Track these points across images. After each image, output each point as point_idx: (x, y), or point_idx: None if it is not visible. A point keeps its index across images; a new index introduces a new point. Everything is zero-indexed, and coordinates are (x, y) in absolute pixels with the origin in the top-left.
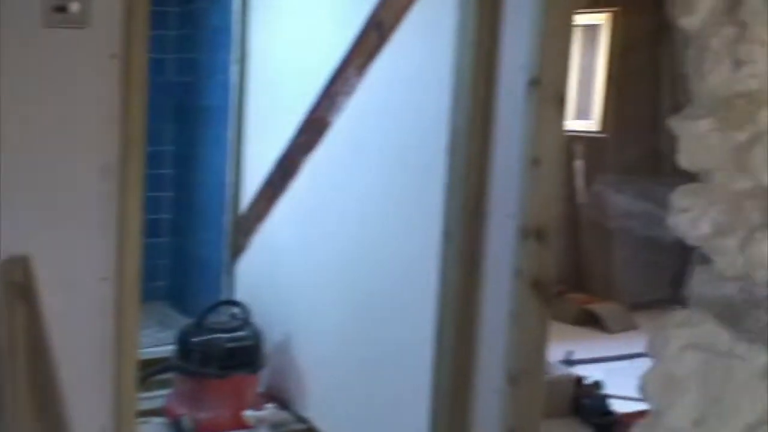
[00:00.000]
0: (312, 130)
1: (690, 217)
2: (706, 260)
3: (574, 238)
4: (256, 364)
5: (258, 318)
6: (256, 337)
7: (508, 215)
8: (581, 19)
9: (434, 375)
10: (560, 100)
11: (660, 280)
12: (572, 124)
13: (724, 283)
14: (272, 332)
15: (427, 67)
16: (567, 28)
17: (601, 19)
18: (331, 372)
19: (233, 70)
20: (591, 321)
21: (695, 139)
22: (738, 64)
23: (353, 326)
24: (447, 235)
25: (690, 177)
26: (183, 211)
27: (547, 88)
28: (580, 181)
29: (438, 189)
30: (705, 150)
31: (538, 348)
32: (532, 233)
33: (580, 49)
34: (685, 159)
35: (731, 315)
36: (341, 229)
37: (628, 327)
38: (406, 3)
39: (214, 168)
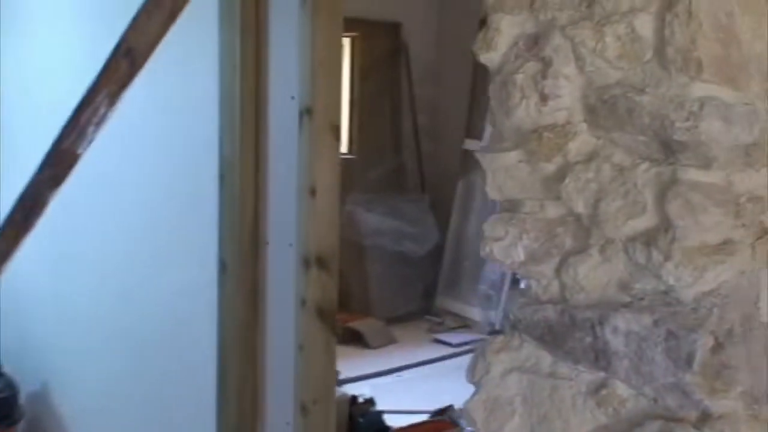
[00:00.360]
0: (59, 163)
1: (503, 246)
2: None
3: None
4: (11, 417)
5: (9, 368)
6: (10, 388)
7: (288, 244)
8: None
9: (220, 414)
10: (334, 129)
11: (412, 293)
12: None
13: (544, 307)
14: (27, 382)
15: (190, 95)
16: (337, 56)
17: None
18: (101, 420)
19: None
20: (352, 338)
21: (503, 170)
22: (544, 98)
23: (126, 371)
24: (224, 267)
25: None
26: None
27: (320, 117)
28: None
29: (212, 220)
30: (514, 181)
31: (326, 376)
32: (313, 262)
33: None
34: (493, 190)
35: (553, 337)
36: (103, 267)
37: (388, 341)
38: (160, 30)
39: None
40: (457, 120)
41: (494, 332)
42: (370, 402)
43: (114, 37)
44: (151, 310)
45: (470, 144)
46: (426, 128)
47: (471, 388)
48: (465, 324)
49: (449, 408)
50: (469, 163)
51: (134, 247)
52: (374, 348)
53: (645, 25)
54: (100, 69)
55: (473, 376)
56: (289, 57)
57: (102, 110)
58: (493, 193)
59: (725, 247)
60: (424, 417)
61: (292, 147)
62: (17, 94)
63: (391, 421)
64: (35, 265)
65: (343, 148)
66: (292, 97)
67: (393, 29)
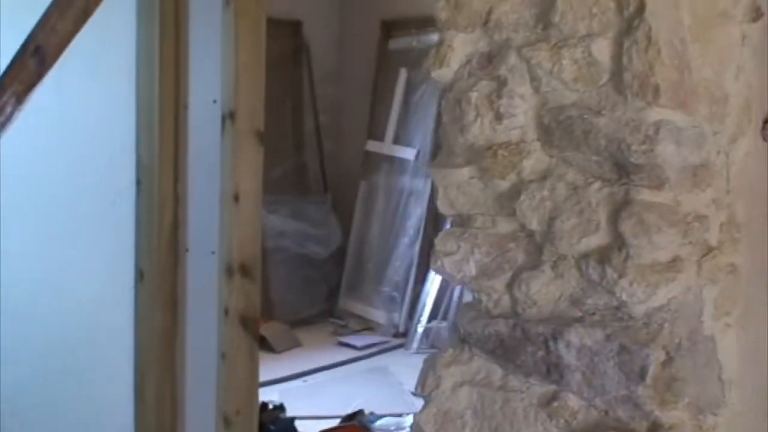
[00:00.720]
0: None
1: (455, 260)
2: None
3: None
4: None
5: None
6: None
7: (211, 252)
8: None
9: (138, 428)
10: (257, 134)
11: (316, 296)
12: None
13: (495, 321)
14: None
15: (105, 96)
16: (260, 60)
17: None
18: (12, 430)
19: None
20: None
21: (455, 186)
22: (498, 117)
23: (40, 381)
24: (141, 275)
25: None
26: None
27: (244, 122)
28: None
29: (129, 227)
30: (466, 196)
31: (250, 385)
32: (236, 269)
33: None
34: (444, 205)
35: (504, 351)
36: (15, 275)
37: (293, 345)
38: (72, 28)
39: None
40: (359, 120)
41: (398, 335)
42: (280, 408)
43: (23, 34)
44: (66, 320)
45: (372, 145)
46: (328, 128)
47: (378, 391)
48: (368, 326)
49: (359, 413)
50: (371, 163)
51: (47, 254)
52: (279, 352)
53: (602, 49)
54: (5, 68)
55: (423, 389)
56: (211, 60)
57: (8, 110)
58: (444, 208)
59: (675, 264)
60: (335, 422)
61: (214, 152)
62: None
63: (302, 427)
64: None
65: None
66: (214, 101)
67: (294, 28)
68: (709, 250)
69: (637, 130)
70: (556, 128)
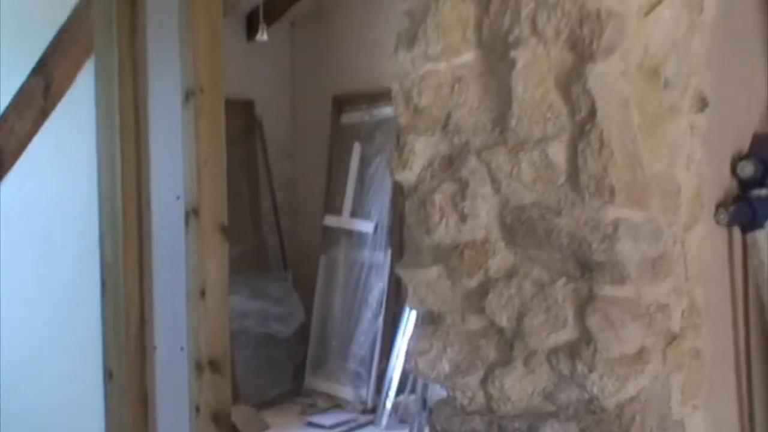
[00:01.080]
0: None
1: (429, 359)
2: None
3: None
4: None
5: None
6: None
7: (179, 348)
8: None
9: None
10: (222, 228)
11: (281, 376)
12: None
13: (471, 418)
14: None
15: (67, 198)
16: (221, 154)
17: None
18: None
19: None
20: None
21: (424, 285)
22: (463, 218)
23: None
24: (110, 375)
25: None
26: None
27: (207, 217)
28: None
29: (96, 327)
30: (435, 295)
31: None
32: (206, 365)
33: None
34: (414, 303)
35: None
36: None
37: (261, 428)
38: (31, 129)
39: None
40: (315, 196)
41: (366, 411)
42: None
43: None
44: (37, 420)
45: (330, 219)
46: (285, 205)
47: None
48: (336, 404)
49: None
50: (329, 238)
51: (18, 356)
52: None
53: (558, 152)
54: None
55: None
56: (173, 156)
57: None
58: (414, 305)
59: (642, 356)
60: None
61: (178, 248)
62: None
63: None
64: None
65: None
66: (178, 197)
67: (246, 107)
68: (673, 337)
69: (596, 229)
70: (519, 227)
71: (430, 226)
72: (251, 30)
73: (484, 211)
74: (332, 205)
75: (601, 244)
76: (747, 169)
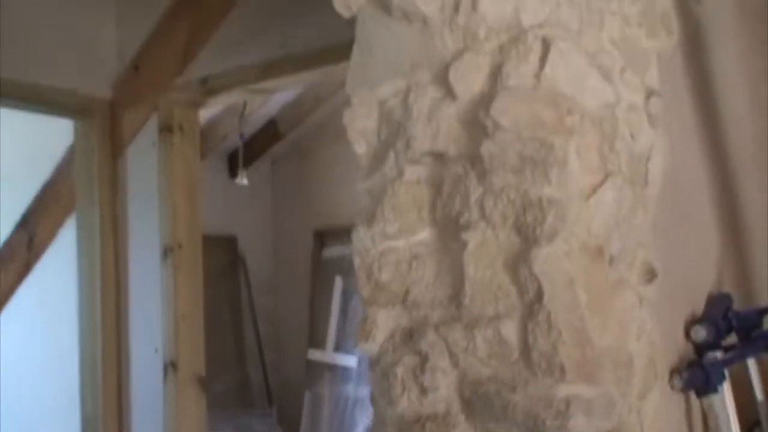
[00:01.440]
0: None
1: None
2: None
3: None
4: None
5: None
6: None
7: None
8: None
9: None
10: (199, 380)
11: None
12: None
13: None
14: None
15: (48, 350)
16: (198, 308)
17: None
18: None
19: None
20: None
21: None
22: (423, 391)
23: None
24: None
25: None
26: None
27: (185, 369)
28: None
29: None
30: None
31: None
32: None
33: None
34: None
35: None
36: None
37: None
38: (14, 281)
39: None
40: (299, 330)
41: None
42: None
43: None
44: None
45: (313, 353)
46: (269, 339)
47: None
48: None
49: None
50: (314, 372)
51: None
52: None
53: (510, 330)
54: None
55: None
56: (152, 311)
57: None
58: None
59: None
60: None
61: (157, 400)
62: None
63: None
64: None
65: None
66: (156, 350)
67: (229, 243)
68: None
69: (549, 406)
70: (477, 401)
71: (393, 398)
72: (233, 168)
73: (444, 385)
74: (316, 339)
75: (554, 421)
76: (700, 333)
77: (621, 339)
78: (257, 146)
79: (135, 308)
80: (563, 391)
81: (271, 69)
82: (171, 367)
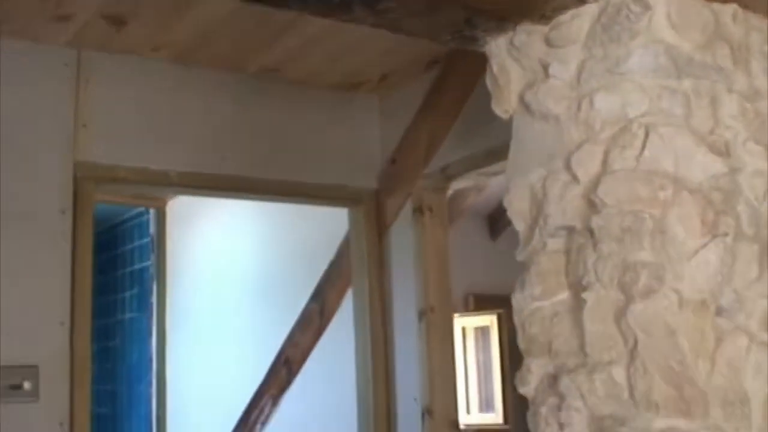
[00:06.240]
0: None
1: None
2: None
3: None
4: None
5: None
6: None
7: None
8: (472, 321)
9: None
10: (453, 425)
11: None
12: (478, 417)
13: None
14: None
15: (333, 398)
16: (452, 363)
17: (488, 320)
18: None
19: (153, 402)
20: None
21: None
22: (561, 427)
23: None
24: None
25: None
26: None
27: (439, 415)
28: None
29: None
30: None
31: None
32: None
33: (476, 348)
34: None
35: None
36: None
37: None
38: (310, 343)
39: None
40: None
41: None
42: None
43: (268, 345)
44: None
45: None
46: None
47: None
48: None
49: None
50: None
51: None
52: None
53: (619, 373)
54: (265, 375)
55: None
56: (411, 365)
57: (267, 410)
58: None
59: None
60: None
61: None
62: (183, 399)
63: None
64: None
65: (499, 419)
66: (415, 399)
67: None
68: None
69: None
70: None
71: None
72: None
73: (577, 421)
74: None
75: None
76: None
77: (733, 379)
78: None
79: (398, 363)
80: (660, 424)
81: (491, 156)
82: (427, 413)
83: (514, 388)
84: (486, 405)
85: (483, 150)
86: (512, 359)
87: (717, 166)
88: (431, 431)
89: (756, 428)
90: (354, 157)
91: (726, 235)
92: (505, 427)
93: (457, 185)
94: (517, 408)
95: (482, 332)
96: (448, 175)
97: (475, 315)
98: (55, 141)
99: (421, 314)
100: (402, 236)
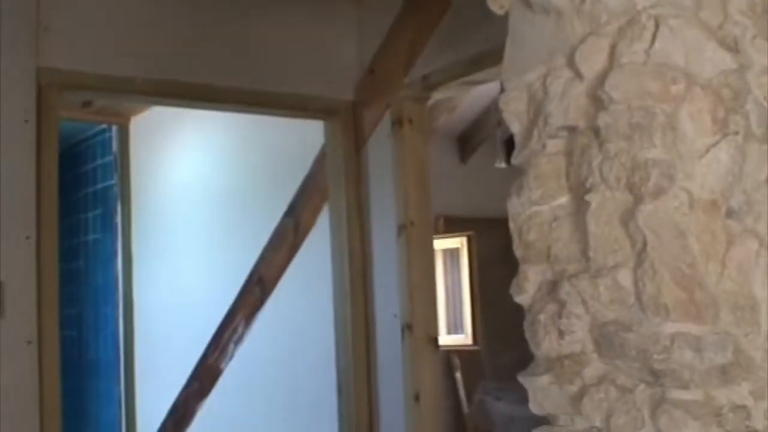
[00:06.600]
0: (205, 377)
1: None
2: None
3: None
4: None
5: None
6: None
7: None
8: (441, 243)
9: None
10: (433, 341)
11: None
12: (447, 339)
13: None
14: None
15: (310, 316)
16: (431, 278)
17: (458, 242)
18: None
19: (119, 324)
20: None
21: (540, 390)
22: (561, 334)
23: None
24: None
25: None
26: None
27: (420, 331)
28: (461, 392)
29: (333, 427)
30: (548, 399)
31: None
32: None
33: (444, 270)
34: (535, 406)
35: None
36: None
37: None
38: (284, 261)
39: (105, 422)
40: None
41: None
42: None
43: (241, 264)
44: None
45: None
46: None
47: None
48: None
49: None
50: None
51: None
52: None
53: (625, 277)
54: (237, 294)
55: None
56: (390, 281)
57: (240, 330)
58: (535, 409)
59: None
60: None
61: (397, 358)
62: (151, 321)
63: None
64: None
65: (469, 340)
66: (395, 315)
67: (507, 225)
68: None
69: (656, 342)
70: (602, 341)
71: (538, 340)
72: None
73: (578, 328)
74: None
75: (660, 354)
76: None
77: (743, 284)
78: None
79: (377, 279)
80: (669, 328)
81: (477, 63)
82: (407, 329)
83: (483, 310)
84: (455, 326)
85: (468, 56)
86: (482, 281)
87: (727, 61)
88: (411, 348)
89: (764, 335)
90: (330, 67)
91: (737, 134)
92: (474, 348)
93: (438, 95)
94: (485, 329)
95: (452, 254)
96: (429, 84)
97: (445, 237)
98: (15, 45)
99: (401, 229)
100: (380, 149)
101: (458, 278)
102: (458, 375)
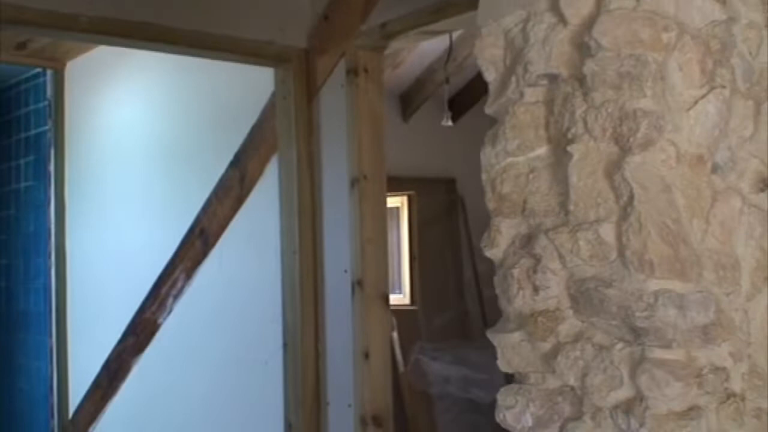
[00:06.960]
0: (141, 331)
1: (514, 413)
2: None
3: (398, 406)
4: None
5: None
6: None
7: (347, 405)
8: None
9: None
10: (383, 298)
11: None
12: None
13: None
14: None
15: (255, 271)
16: (383, 233)
17: (398, 202)
18: None
19: (51, 274)
20: None
21: (510, 348)
22: (536, 289)
23: None
24: (289, 427)
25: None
26: (4, 420)
27: (370, 288)
28: (398, 352)
29: (278, 383)
30: (519, 356)
31: None
32: (370, 420)
33: None
34: (503, 363)
35: None
36: (174, 428)
37: None
38: (229, 213)
39: (36, 374)
40: None
41: None
42: None
43: (183, 216)
44: None
45: None
46: (486, 275)
47: None
48: None
49: None
50: None
51: (205, 410)
52: None
53: (608, 232)
54: (177, 247)
55: None
56: (341, 236)
57: (180, 283)
58: (503, 367)
59: (690, 413)
60: None
61: (346, 315)
62: (86, 271)
63: None
64: (118, 428)
65: (406, 299)
66: (345, 271)
67: (448, 185)
68: (730, 396)
69: (639, 299)
70: (580, 298)
71: (511, 296)
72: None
73: (554, 283)
74: None
75: (643, 312)
76: None
77: (725, 242)
78: (477, 89)
79: (327, 234)
80: (653, 285)
81: (440, 11)
82: (358, 285)
83: (421, 270)
84: (393, 285)
85: (430, 4)
86: (421, 241)
87: (715, 12)
88: (361, 304)
89: (745, 296)
90: (282, 11)
91: (723, 87)
92: (411, 308)
93: (397, 45)
94: (423, 289)
95: (392, 214)
96: (387, 33)
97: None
98: None
99: (353, 182)
100: (333, 99)
101: (398, 237)
102: (395, 334)
